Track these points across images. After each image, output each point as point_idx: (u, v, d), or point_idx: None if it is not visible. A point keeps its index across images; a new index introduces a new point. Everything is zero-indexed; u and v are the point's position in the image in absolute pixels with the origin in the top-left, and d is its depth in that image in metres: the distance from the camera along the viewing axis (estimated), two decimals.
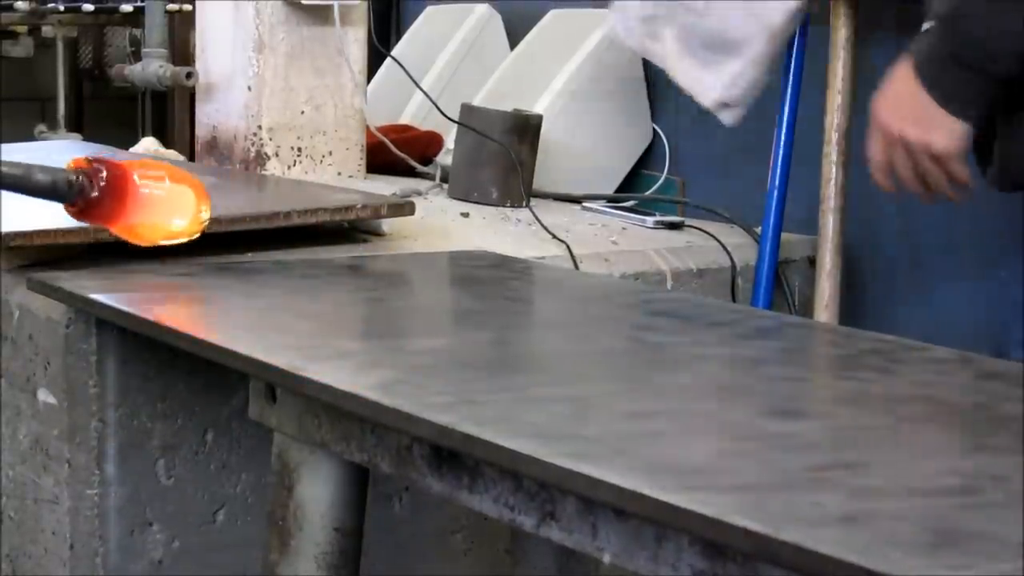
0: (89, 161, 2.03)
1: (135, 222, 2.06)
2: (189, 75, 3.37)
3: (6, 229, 2.20)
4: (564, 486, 1.32)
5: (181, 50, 4.59)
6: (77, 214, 2.04)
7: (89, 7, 5.08)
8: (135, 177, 2.04)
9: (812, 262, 3.05)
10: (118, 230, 2.07)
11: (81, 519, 2.24)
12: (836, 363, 1.90)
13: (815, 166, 3.04)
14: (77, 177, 2.00)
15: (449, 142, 3.50)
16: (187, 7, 4.52)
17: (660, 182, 3.61)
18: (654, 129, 3.65)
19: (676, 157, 3.61)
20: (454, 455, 1.51)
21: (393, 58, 3.72)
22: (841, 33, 3.00)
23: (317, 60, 3.29)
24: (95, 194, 2.01)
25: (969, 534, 1.15)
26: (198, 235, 2.12)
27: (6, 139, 3.35)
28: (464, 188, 3.22)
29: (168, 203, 2.08)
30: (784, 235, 3.04)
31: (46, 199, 2.02)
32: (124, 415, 2.23)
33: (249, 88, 3.25)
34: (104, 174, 2.02)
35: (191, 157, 3.62)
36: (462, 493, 1.52)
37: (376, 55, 3.63)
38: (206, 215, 2.11)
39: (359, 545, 1.81)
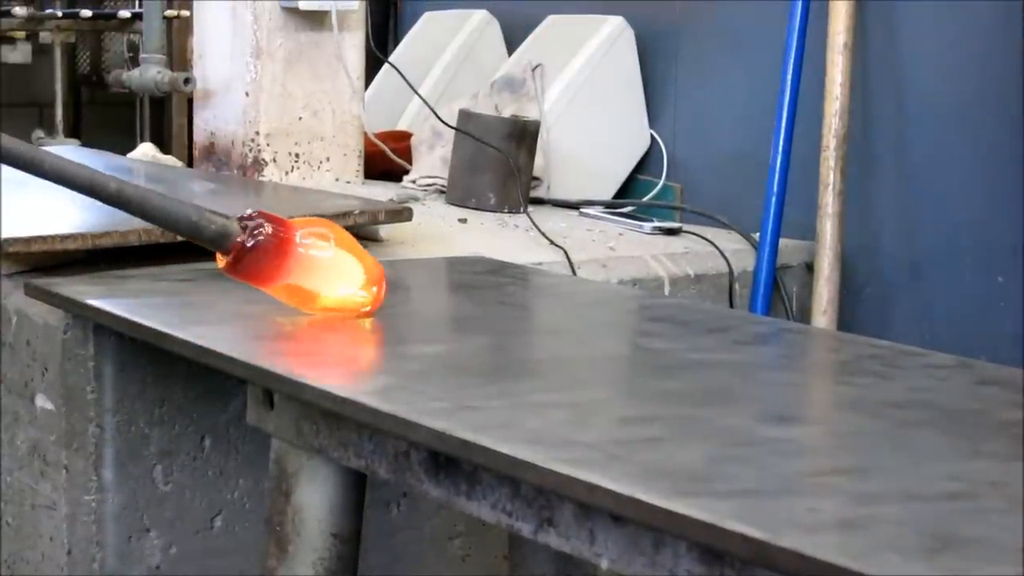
0: (250, 214, 1.88)
1: (292, 284, 1.89)
2: (187, 81, 3.37)
3: (5, 235, 2.20)
4: (562, 492, 1.32)
5: (179, 56, 4.60)
6: (231, 266, 1.88)
7: (87, 13, 5.08)
8: (298, 236, 1.88)
9: (810, 268, 3.05)
10: (273, 290, 1.91)
11: (79, 525, 2.24)
12: (834, 369, 1.90)
13: (813, 172, 3.05)
14: (238, 229, 1.86)
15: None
16: (185, 13, 4.52)
17: (658, 188, 3.61)
18: (652, 135, 3.65)
19: (674, 163, 3.61)
20: (452, 461, 1.51)
21: (391, 64, 3.72)
22: (839, 38, 3.00)
23: (315, 66, 3.29)
24: (252, 248, 1.86)
25: (967, 539, 1.15)
26: (366, 311, 1.92)
27: None
28: (462, 194, 3.22)
29: (331, 269, 1.90)
30: (782, 241, 3.04)
31: (202, 244, 1.87)
32: (122, 421, 2.23)
33: (247, 94, 3.25)
34: (265, 229, 1.87)
35: (189, 163, 3.63)
36: (460, 499, 1.52)
37: (374, 61, 3.63)
38: (373, 293, 1.92)
39: (357, 551, 1.81)
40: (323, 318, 1.91)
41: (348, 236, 1.93)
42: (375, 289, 1.91)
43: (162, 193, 1.89)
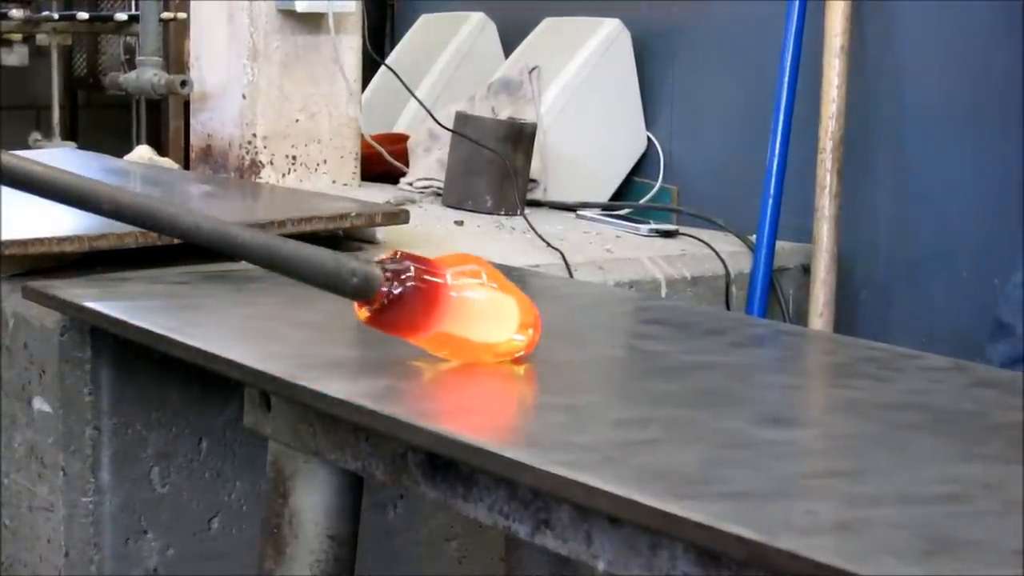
0: (393, 255, 1.66)
1: (444, 332, 1.66)
2: (183, 83, 3.37)
3: (2, 237, 2.20)
4: (559, 494, 1.32)
5: (176, 58, 4.59)
6: (375, 317, 1.66)
7: (84, 15, 5.08)
8: (449, 278, 1.66)
9: (806, 270, 3.05)
10: (423, 341, 1.68)
11: (76, 527, 2.24)
12: (830, 371, 1.90)
13: (809, 174, 3.05)
14: (383, 276, 1.64)
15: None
16: (181, 15, 4.52)
17: (655, 190, 3.61)
18: (648, 137, 3.65)
19: (670, 165, 3.61)
20: (449, 463, 1.51)
21: (387, 66, 3.72)
22: (836, 41, 3.01)
23: (312, 68, 3.29)
24: (400, 296, 1.64)
25: (963, 542, 1.15)
26: (520, 354, 1.70)
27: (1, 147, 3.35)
28: (458, 196, 3.23)
29: (485, 313, 1.68)
30: (778, 243, 3.05)
31: (342, 295, 1.65)
32: (119, 423, 2.23)
33: (244, 96, 3.25)
34: (413, 272, 1.64)
35: (186, 165, 3.63)
36: (457, 501, 1.52)
37: (371, 63, 3.63)
38: (529, 335, 1.70)
39: (354, 553, 1.81)
40: (322, 318, 1.91)
41: (497, 272, 1.71)
42: (531, 332, 1.70)
43: (287, 239, 1.68)
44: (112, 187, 1.59)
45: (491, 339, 1.68)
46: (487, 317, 1.67)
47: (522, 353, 1.69)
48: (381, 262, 1.65)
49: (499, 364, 1.68)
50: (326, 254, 1.65)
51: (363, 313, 1.66)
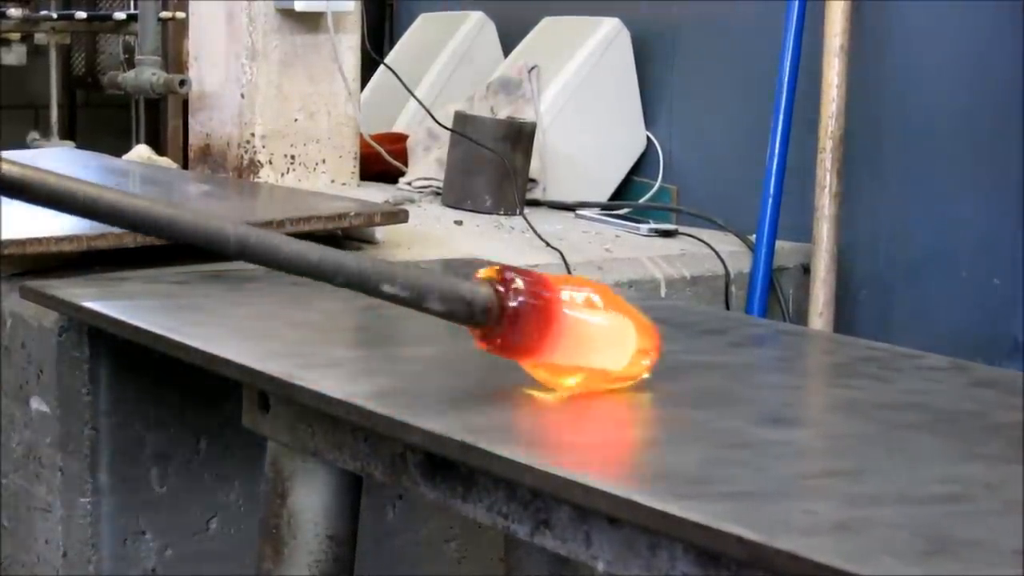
0: (500, 272, 1.53)
1: (558, 359, 1.53)
2: (182, 83, 3.37)
3: (1, 237, 2.19)
4: (558, 494, 1.32)
5: (175, 58, 4.59)
6: (482, 338, 1.53)
7: (82, 15, 5.07)
8: (564, 297, 1.52)
9: (806, 269, 3.05)
10: (535, 368, 1.56)
11: (74, 527, 2.24)
12: (830, 371, 1.90)
13: (809, 174, 3.05)
14: (494, 296, 1.51)
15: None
16: (180, 15, 4.52)
17: (654, 190, 3.61)
18: (648, 137, 3.65)
19: (670, 165, 3.61)
20: (448, 463, 1.51)
21: (386, 65, 3.72)
22: (835, 40, 3.00)
23: (310, 68, 3.28)
24: (515, 315, 1.50)
25: (962, 542, 1.15)
26: (639, 378, 1.58)
27: None
28: (458, 196, 3.22)
29: (605, 338, 1.55)
30: (778, 243, 3.05)
31: (449, 319, 1.52)
32: (117, 423, 2.23)
33: (242, 96, 3.25)
34: (522, 290, 1.51)
35: (184, 165, 3.62)
36: (456, 501, 1.51)
37: (369, 62, 3.63)
38: (650, 360, 1.58)
39: (353, 553, 1.80)
40: (321, 318, 1.90)
41: (613, 293, 1.58)
42: (654, 355, 1.58)
43: (392, 263, 1.58)
44: (242, 227, 1.49)
45: (611, 365, 1.55)
46: (605, 340, 1.54)
47: (645, 376, 1.58)
48: (489, 279, 1.52)
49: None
50: (436, 278, 1.53)
51: (478, 339, 1.54)
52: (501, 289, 1.51)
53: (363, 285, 1.50)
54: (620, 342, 1.55)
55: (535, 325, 1.51)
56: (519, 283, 1.51)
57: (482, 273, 1.53)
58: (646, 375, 1.58)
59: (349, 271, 1.51)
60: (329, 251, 1.52)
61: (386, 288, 1.50)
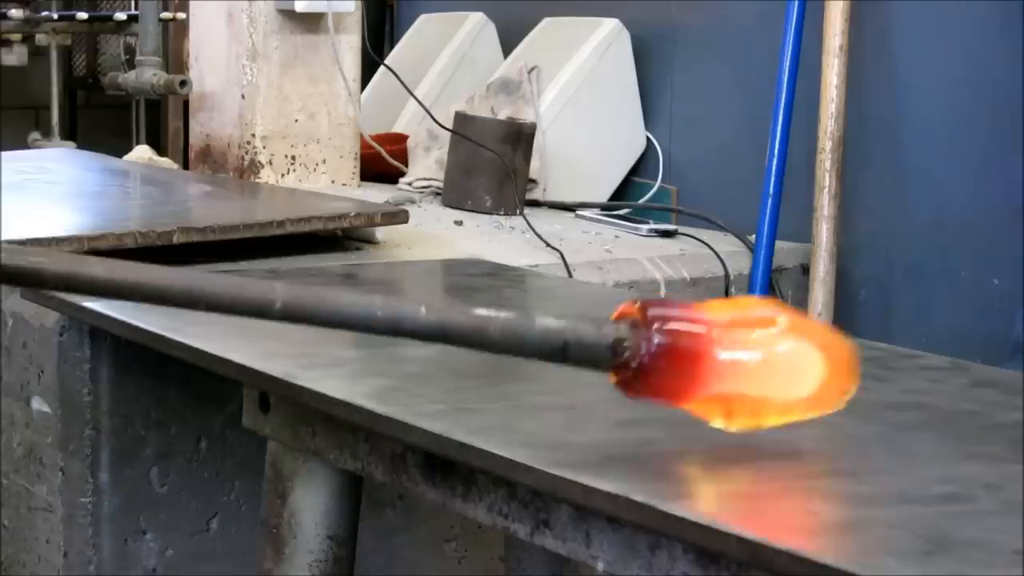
0: (641, 309, 1.36)
1: (719, 394, 1.36)
2: (183, 83, 3.37)
3: (1, 237, 2.19)
4: (558, 494, 1.32)
5: (175, 58, 4.59)
6: (623, 383, 1.37)
7: (83, 15, 5.08)
8: (713, 338, 1.35)
9: (806, 270, 3.05)
10: (691, 407, 1.38)
11: (75, 527, 2.24)
12: None
13: (809, 174, 3.05)
14: (629, 337, 1.34)
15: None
16: (181, 15, 4.52)
17: (653, 190, 3.61)
18: (647, 137, 3.65)
19: (670, 165, 3.61)
20: (448, 463, 1.51)
21: (387, 66, 3.72)
22: (834, 40, 3.01)
23: (311, 68, 3.29)
24: (648, 358, 1.34)
25: (962, 542, 1.15)
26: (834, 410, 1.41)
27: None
28: (458, 196, 3.22)
29: (774, 370, 1.37)
30: (778, 243, 3.05)
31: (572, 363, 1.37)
32: (118, 423, 2.23)
33: (243, 96, 3.25)
34: (662, 331, 1.34)
35: (185, 165, 3.63)
36: (456, 501, 1.52)
37: (370, 63, 3.63)
38: (847, 390, 1.40)
39: (353, 553, 1.80)
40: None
41: (794, 315, 1.40)
42: (847, 383, 1.40)
43: (509, 312, 1.42)
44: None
45: (792, 396, 1.38)
46: (778, 373, 1.37)
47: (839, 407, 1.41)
48: (625, 317, 1.37)
49: None
50: (555, 326, 1.38)
51: (615, 378, 1.38)
52: (636, 329, 1.35)
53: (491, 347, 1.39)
54: (797, 371, 1.38)
55: (678, 366, 1.35)
56: (659, 321, 1.35)
57: (623, 307, 1.38)
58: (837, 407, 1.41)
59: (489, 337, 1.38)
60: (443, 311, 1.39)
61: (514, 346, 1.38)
